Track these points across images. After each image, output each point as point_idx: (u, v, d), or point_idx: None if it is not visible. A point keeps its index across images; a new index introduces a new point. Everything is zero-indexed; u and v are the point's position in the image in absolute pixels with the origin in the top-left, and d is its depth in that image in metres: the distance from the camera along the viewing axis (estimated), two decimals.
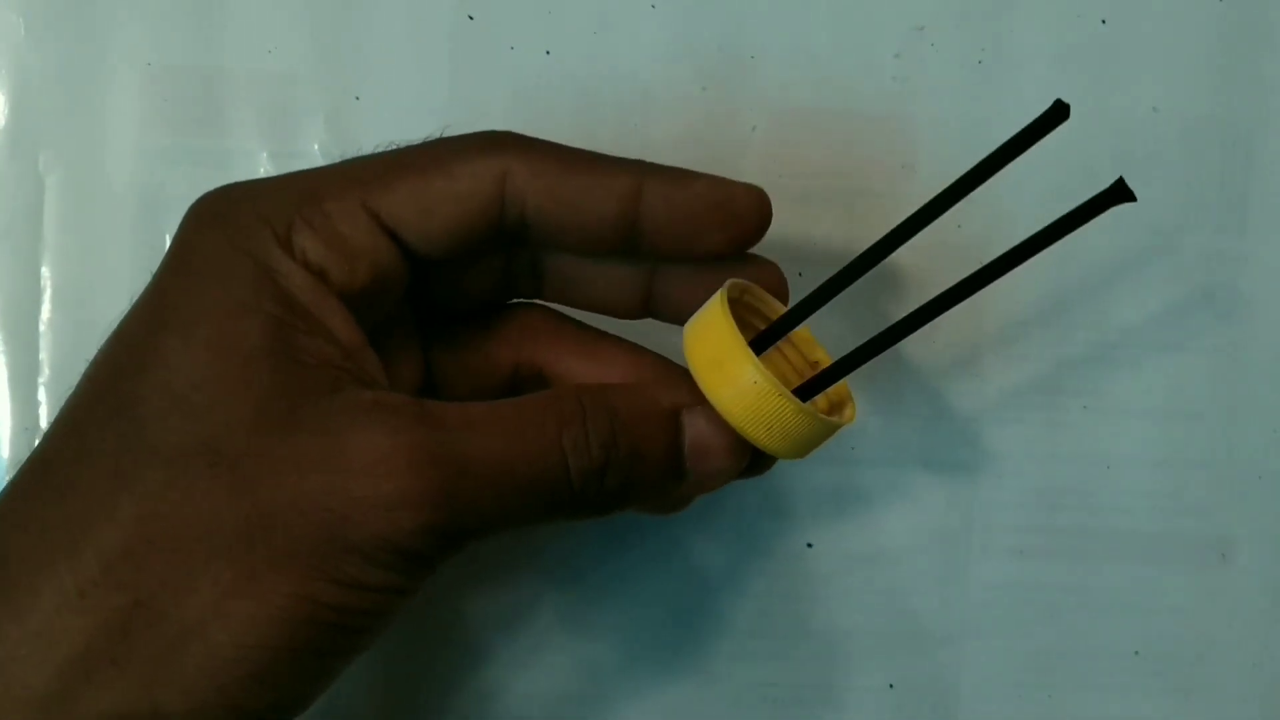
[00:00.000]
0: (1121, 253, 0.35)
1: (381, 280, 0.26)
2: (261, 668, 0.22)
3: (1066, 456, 0.35)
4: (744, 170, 0.34)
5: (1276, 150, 0.35)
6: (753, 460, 0.27)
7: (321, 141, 0.34)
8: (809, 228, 0.34)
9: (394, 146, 0.26)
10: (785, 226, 0.34)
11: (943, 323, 0.34)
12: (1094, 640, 0.35)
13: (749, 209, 0.27)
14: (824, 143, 0.34)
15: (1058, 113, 0.26)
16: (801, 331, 0.28)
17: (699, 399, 0.25)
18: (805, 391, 0.26)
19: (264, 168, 0.34)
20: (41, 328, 0.34)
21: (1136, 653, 0.35)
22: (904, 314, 0.26)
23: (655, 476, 0.25)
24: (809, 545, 0.34)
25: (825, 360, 0.28)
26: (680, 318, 0.28)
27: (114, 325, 0.25)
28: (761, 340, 0.27)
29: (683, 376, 0.26)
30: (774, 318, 0.27)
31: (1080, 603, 0.35)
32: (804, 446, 0.26)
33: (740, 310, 0.27)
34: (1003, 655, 0.34)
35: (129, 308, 0.25)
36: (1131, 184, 0.30)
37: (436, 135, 0.27)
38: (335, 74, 0.34)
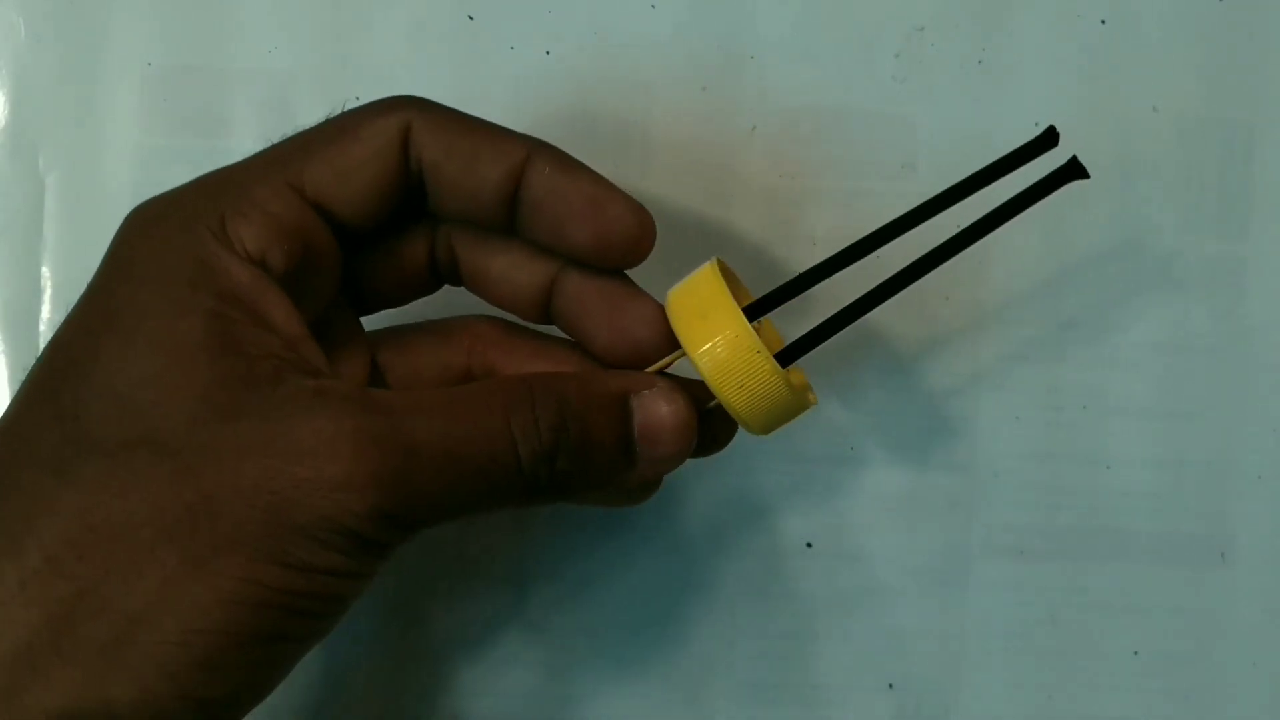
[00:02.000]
0: (1121, 252, 0.35)
1: (316, 258, 0.26)
2: (211, 654, 0.22)
3: (1066, 456, 0.35)
4: (744, 170, 0.34)
5: (1276, 150, 0.35)
6: (711, 434, 0.28)
7: None
8: (809, 227, 0.34)
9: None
10: (785, 226, 0.34)
11: (942, 322, 0.34)
12: (1093, 640, 0.35)
13: (621, 219, 0.27)
14: (824, 142, 0.34)
15: (1048, 139, 0.26)
16: (768, 326, 0.29)
17: (648, 383, 0.26)
18: (781, 360, 0.26)
19: None
20: (41, 327, 0.34)
21: (1136, 653, 0.35)
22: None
23: (605, 460, 0.25)
24: (809, 545, 0.34)
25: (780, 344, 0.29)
26: (577, 327, 0.28)
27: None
28: (754, 311, 0.27)
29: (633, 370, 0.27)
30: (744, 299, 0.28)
31: (1080, 603, 0.34)
32: (771, 417, 0.27)
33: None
34: (1002, 655, 0.34)
35: (67, 315, 0.25)
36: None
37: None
38: (335, 74, 0.34)
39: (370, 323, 0.29)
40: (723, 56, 0.34)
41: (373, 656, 0.34)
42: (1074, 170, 0.26)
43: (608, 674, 0.34)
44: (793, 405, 0.26)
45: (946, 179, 0.28)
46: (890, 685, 0.35)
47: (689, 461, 0.26)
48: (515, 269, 0.28)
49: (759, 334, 0.28)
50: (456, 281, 0.30)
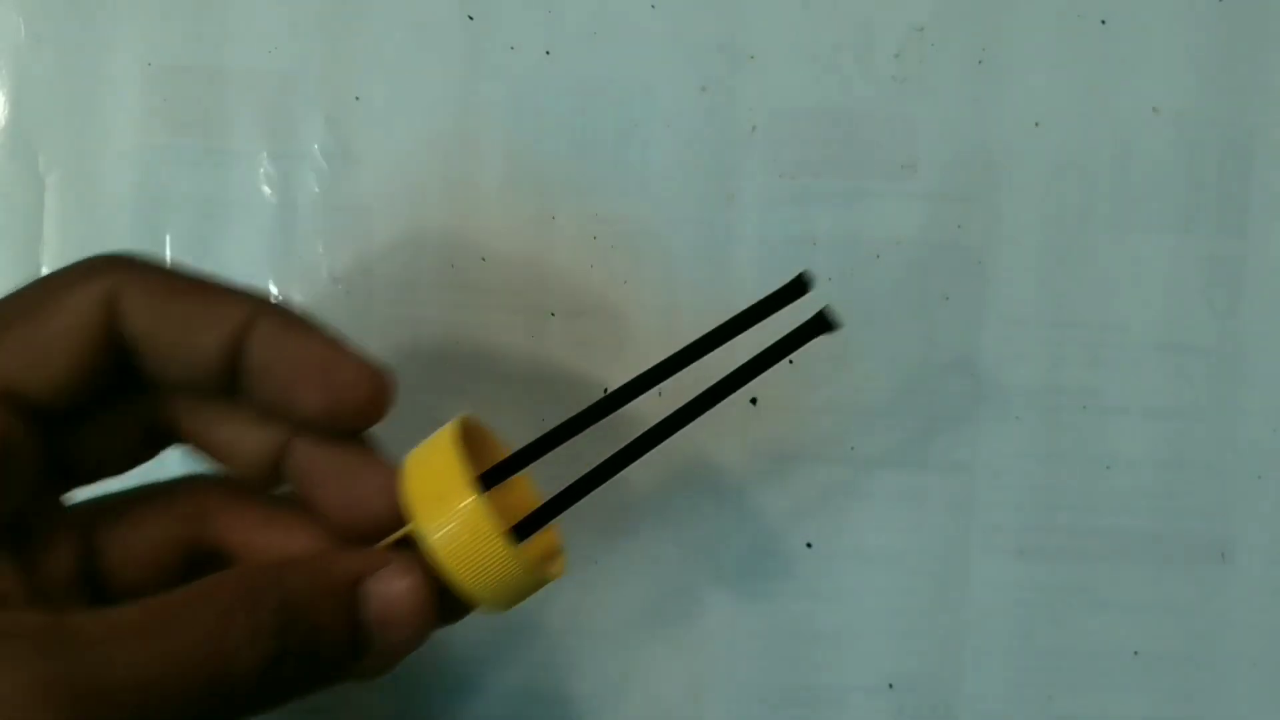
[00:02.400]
0: (1121, 252, 0.35)
1: (8, 454, 0.23)
2: None
3: (1066, 456, 0.35)
4: (744, 170, 0.34)
5: (1275, 150, 0.35)
6: (449, 609, 0.25)
7: (321, 142, 0.34)
8: (809, 228, 0.34)
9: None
10: (785, 226, 0.34)
11: (942, 322, 0.34)
12: (1094, 640, 0.35)
13: (353, 384, 0.25)
14: (824, 142, 0.34)
15: (798, 287, 0.25)
16: (524, 481, 0.27)
17: (381, 562, 0.24)
18: (518, 534, 0.25)
19: (264, 168, 0.34)
20: None
21: (1136, 652, 0.35)
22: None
23: (335, 656, 0.23)
24: (809, 545, 0.34)
25: (534, 500, 0.27)
26: (309, 496, 0.26)
27: None
28: (483, 481, 0.25)
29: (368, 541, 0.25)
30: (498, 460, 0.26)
31: (1080, 602, 0.35)
32: (507, 597, 0.25)
33: (470, 449, 0.25)
34: (1002, 655, 0.34)
35: None
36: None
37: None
38: (335, 74, 0.34)
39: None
40: (722, 56, 0.34)
41: None
42: (822, 325, 0.25)
43: (607, 674, 0.34)
44: (528, 585, 0.25)
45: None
46: (890, 685, 0.35)
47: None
48: (242, 435, 0.26)
49: (508, 494, 0.27)
50: (181, 442, 0.27)
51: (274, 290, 0.34)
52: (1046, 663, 0.35)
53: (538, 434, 0.25)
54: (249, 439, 0.26)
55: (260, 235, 0.34)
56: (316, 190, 0.34)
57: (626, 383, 0.25)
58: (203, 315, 0.24)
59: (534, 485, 0.28)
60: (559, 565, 0.27)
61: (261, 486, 0.27)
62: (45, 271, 0.34)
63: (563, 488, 0.25)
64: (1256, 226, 0.35)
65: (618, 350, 0.34)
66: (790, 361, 0.29)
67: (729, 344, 0.25)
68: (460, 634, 0.34)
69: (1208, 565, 0.35)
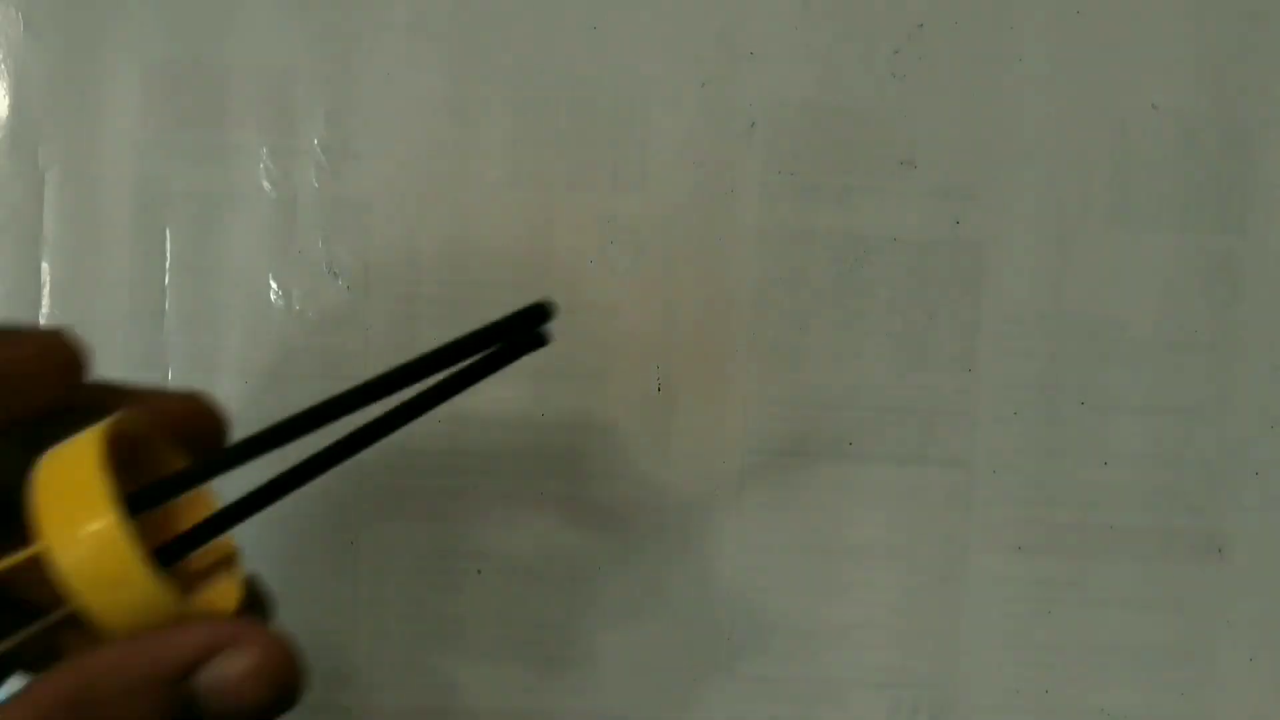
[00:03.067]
0: (1119, 248, 0.35)
1: None
2: None
3: (1064, 452, 0.35)
4: (743, 166, 0.34)
5: (1275, 147, 0.35)
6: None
7: (321, 136, 0.34)
8: (807, 223, 0.34)
9: None
10: (784, 222, 0.34)
11: (940, 318, 0.34)
12: (1091, 634, 0.35)
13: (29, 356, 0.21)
14: (823, 138, 0.34)
15: (539, 314, 0.22)
16: (208, 498, 0.23)
17: (215, 638, 0.19)
18: (177, 548, 0.21)
19: (263, 162, 0.34)
20: (42, 322, 0.34)
21: (1133, 647, 0.35)
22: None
23: None
24: (808, 541, 0.34)
25: (209, 507, 0.23)
26: None
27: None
28: (145, 499, 0.21)
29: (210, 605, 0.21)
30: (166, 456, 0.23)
31: (1077, 597, 0.35)
32: (141, 621, 0.20)
33: (135, 455, 0.22)
34: (1000, 650, 0.35)
35: None
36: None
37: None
38: (335, 69, 0.34)
39: None
40: (722, 53, 0.34)
41: (377, 651, 0.34)
42: (534, 341, 0.22)
43: (607, 672, 0.34)
44: (174, 608, 0.20)
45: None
46: (890, 681, 0.35)
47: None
48: None
49: (177, 513, 0.23)
50: None
51: (273, 285, 0.34)
52: (1044, 657, 0.35)
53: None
54: None
55: (260, 230, 0.34)
56: (316, 185, 0.34)
57: (300, 413, 0.22)
58: None
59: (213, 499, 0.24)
60: (231, 590, 0.22)
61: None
62: (46, 267, 0.34)
63: (227, 503, 0.21)
64: (1255, 223, 0.35)
65: (617, 345, 0.34)
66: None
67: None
68: (457, 628, 0.34)
69: (1205, 560, 0.35)
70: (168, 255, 0.34)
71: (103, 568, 0.19)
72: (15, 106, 0.34)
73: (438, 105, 0.34)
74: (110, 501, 0.20)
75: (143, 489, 0.21)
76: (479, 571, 0.34)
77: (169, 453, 0.23)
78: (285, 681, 0.20)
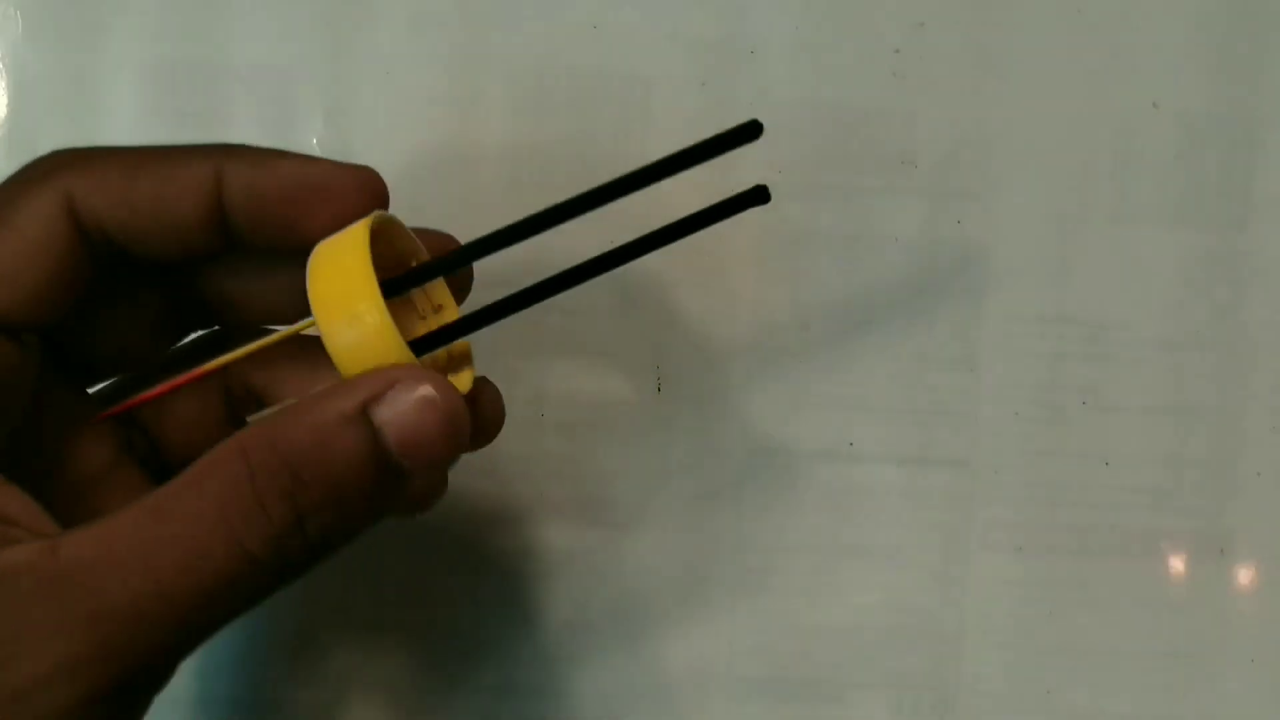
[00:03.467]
0: (1121, 248, 0.34)
1: None
2: None
3: (1065, 453, 0.35)
4: (743, 165, 0.34)
5: (1277, 145, 0.34)
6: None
7: (320, 136, 0.34)
8: (808, 222, 0.34)
9: None
10: (784, 222, 0.34)
11: (941, 318, 0.34)
12: (1092, 637, 0.35)
13: (343, 188, 0.24)
14: (824, 137, 0.34)
15: (758, 195, 0.24)
16: (438, 282, 0.26)
17: (388, 382, 0.22)
18: (424, 345, 0.23)
19: None
20: None
21: (1135, 649, 0.35)
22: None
23: (368, 498, 0.21)
24: (808, 541, 0.34)
25: (453, 315, 0.26)
26: None
27: None
28: (397, 285, 0.24)
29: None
30: (413, 263, 0.25)
31: (1079, 599, 0.35)
32: None
33: (379, 247, 0.24)
34: (1002, 652, 0.34)
35: None
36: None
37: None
38: (335, 68, 0.34)
39: None
40: (722, 51, 0.34)
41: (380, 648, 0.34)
42: (759, 196, 0.24)
43: (606, 672, 0.34)
44: None
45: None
46: (890, 682, 0.35)
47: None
48: (258, 285, 0.26)
49: (414, 303, 0.26)
50: (203, 323, 0.27)
51: None
52: (1045, 659, 0.35)
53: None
54: (266, 286, 0.26)
55: None
56: None
57: (556, 205, 0.24)
58: (168, 186, 0.23)
59: (448, 294, 0.27)
60: (467, 377, 0.25)
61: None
62: None
63: (479, 308, 0.24)
64: (1257, 222, 0.35)
65: (617, 345, 0.34)
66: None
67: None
68: (455, 628, 0.34)
69: (1207, 562, 0.35)
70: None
71: (366, 347, 0.22)
72: (14, 106, 0.34)
73: (437, 105, 0.34)
74: (375, 288, 0.22)
75: (396, 277, 0.24)
76: (477, 572, 0.34)
77: (407, 241, 0.26)
78: (452, 418, 0.22)
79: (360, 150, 0.34)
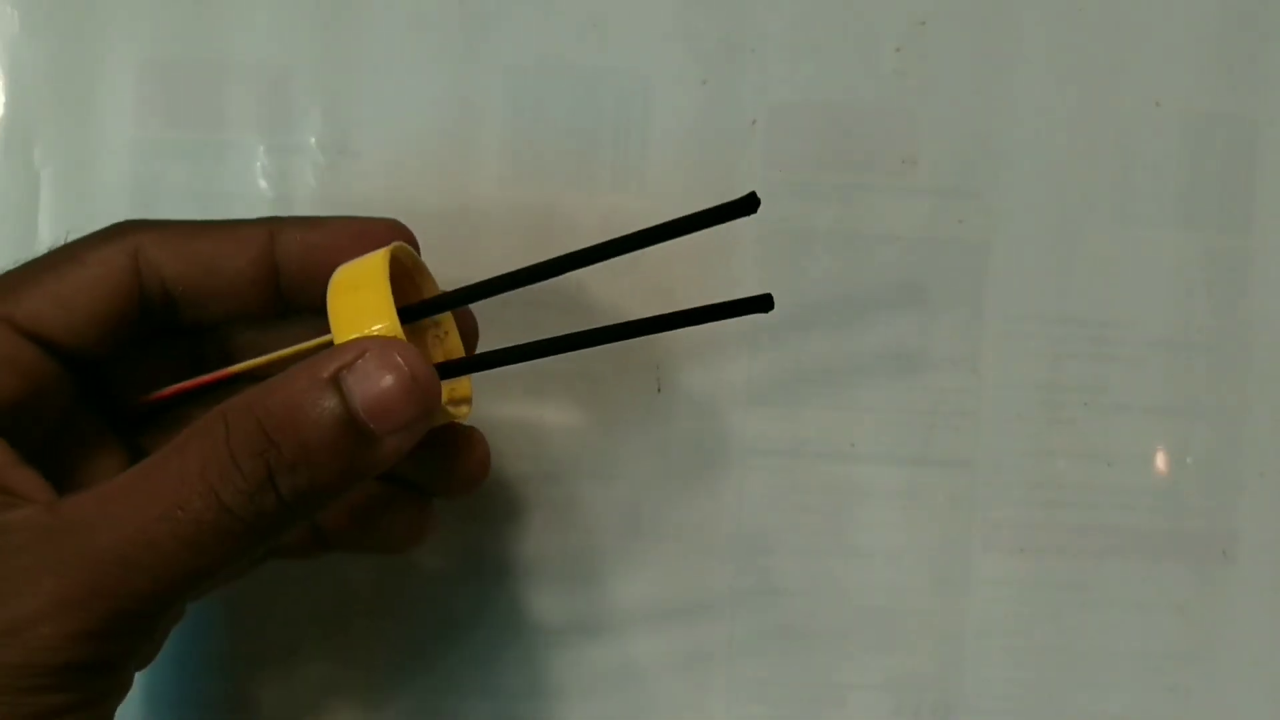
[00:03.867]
0: (1123, 247, 0.34)
1: (36, 389, 0.25)
2: None
3: (1067, 453, 0.34)
4: (744, 164, 0.34)
5: (1279, 144, 0.34)
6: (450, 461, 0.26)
7: (318, 134, 0.34)
8: (808, 222, 0.34)
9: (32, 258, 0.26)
10: (784, 221, 0.34)
11: (942, 318, 0.34)
12: (1095, 638, 0.34)
13: (389, 233, 0.26)
14: (824, 136, 0.34)
15: (748, 204, 0.25)
16: (454, 332, 0.28)
17: (357, 351, 0.23)
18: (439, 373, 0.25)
19: (260, 161, 0.34)
20: None
21: (1137, 650, 0.34)
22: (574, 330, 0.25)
23: (337, 459, 0.23)
24: (808, 542, 0.34)
25: (459, 354, 0.28)
26: None
27: None
28: (409, 314, 0.26)
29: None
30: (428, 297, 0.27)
31: (1081, 600, 0.34)
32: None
33: (400, 280, 0.26)
34: (1003, 653, 0.34)
35: None
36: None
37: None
38: (333, 66, 0.34)
39: None
40: (723, 49, 0.34)
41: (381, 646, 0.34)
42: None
43: (606, 672, 0.34)
44: (440, 418, 0.25)
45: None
46: (890, 683, 0.34)
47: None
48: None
49: (424, 336, 0.27)
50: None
51: None
52: (1047, 660, 0.34)
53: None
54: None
55: None
56: (313, 184, 0.34)
57: (568, 254, 0.25)
58: (226, 244, 0.26)
59: (456, 335, 0.28)
60: (464, 411, 0.27)
61: None
62: None
63: (495, 348, 0.25)
64: (1260, 221, 0.35)
65: (617, 345, 0.34)
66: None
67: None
68: (454, 628, 0.34)
69: (1210, 563, 0.34)
70: None
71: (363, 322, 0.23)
72: (11, 105, 0.34)
73: (436, 103, 0.34)
74: (392, 309, 0.24)
75: (412, 305, 0.26)
76: (469, 573, 0.34)
77: (424, 279, 0.27)
78: (419, 382, 0.23)
79: (359, 150, 0.34)
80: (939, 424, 0.34)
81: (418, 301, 0.26)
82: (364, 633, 0.34)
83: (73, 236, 0.27)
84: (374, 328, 0.24)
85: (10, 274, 0.26)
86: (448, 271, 0.34)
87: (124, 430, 0.28)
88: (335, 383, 0.23)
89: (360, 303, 0.24)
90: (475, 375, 0.27)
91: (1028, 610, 0.34)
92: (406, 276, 0.27)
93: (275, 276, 0.26)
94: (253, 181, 0.34)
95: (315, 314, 0.26)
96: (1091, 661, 0.34)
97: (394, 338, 0.24)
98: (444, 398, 0.26)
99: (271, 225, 0.26)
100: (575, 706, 0.34)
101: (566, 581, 0.34)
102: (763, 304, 0.25)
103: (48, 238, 0.34)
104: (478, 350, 0.29)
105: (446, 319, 0.28)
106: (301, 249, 0.26)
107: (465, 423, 0.27)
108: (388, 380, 0.23)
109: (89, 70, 0.34)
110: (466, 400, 0.28)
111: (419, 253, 0.27)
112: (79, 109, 0.34)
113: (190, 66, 0.34)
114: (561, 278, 0.26)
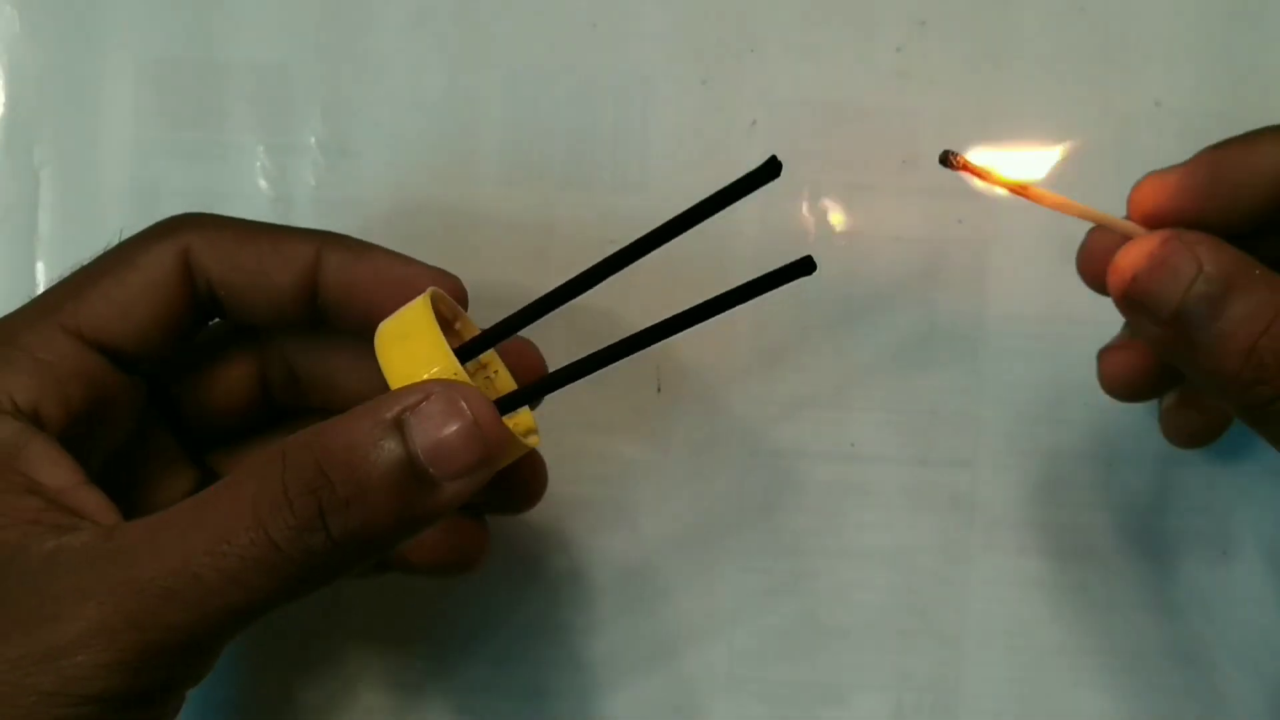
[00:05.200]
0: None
1: (103, 399, 0.25)
2: None
3: (1067, 453, 0.34)
4: (744, 164, 0.34)
5: None
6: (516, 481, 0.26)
7: (318, 134, 0.34)
8: (809, 223, 0.34)
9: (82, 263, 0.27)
10: (784, 221, 0.34)
11: (942, 318, 0.34)
12: (1094, 638, 0.34)
13: (430, 283, 0.26)
14: (825, 136, 0.34)
15: (770, 169, 0.24)
16: (502, 370, 0.28)
17: (422, 394, 0.23)
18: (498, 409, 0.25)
19: (260, 160, 0.34)
20: None
21: (1138, 650, 0.34)
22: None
23: (393, 501, 0.22)
24: (809, 542, 0.34)
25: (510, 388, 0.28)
26: None
27: None
28: (459, 356, 0.25)
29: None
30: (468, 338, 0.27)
31: (1080, 600, 0.34)
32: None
33: (446, 335, 0.26)
34: (1003, 653, 0.34)
35: None
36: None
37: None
38: (332, 66, 0.34)
39: None
40: (723, 49, 0.34)
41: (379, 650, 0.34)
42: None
43: (606, 672, 0.34)
44: (513, 449, 0.25)
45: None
46: (891, 683, 0.34)
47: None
48: (361, 372, 0.28)
49: (484, 388, 0.27)
50: (295, 401, 0.29)
51: None
52: (1047, 660, 0.34)
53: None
54: (353, 369, 0.28)
55: None
56: (313, 184, 0.34)
57: (604, 259, 0.25)
58: (272, 258, 0.26)
59: (505, 369, 0.28)
60: (534, 441, 0.27)
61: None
62: (41, 267, 0.34)
63: (548, 373, 0.25)
64: None
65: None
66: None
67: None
68: (453, 630, 0.34)
69: (1209, 563, 0.34)
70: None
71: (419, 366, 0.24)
72: (10, 104, 0.34)
73: (436, 103, 0.34)
74: (448, 350, 0.24)
75: (465, 344, 0.26)
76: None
77: (464, 327, 0.27)
78: (482, 429, 0.23)
79: (359, 150, 0.34)
80: (939, 424, 0.34)
81: (464, 343, 0.26)
82: (397, 633, 0.34)
83: (126, 234, 0.27)
84: (433, 370, 0.23)
85: (67, 282, 0.26)
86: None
87: (192, 447, 0.29)
88: (397, 424, 0.22)
89: (413, 350, 0.24)
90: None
91: (1027, 610, 0.34)
92: (445, 325, 0.26)
93: (314, 295, 0.26)
94: (253, 181, 0.34)
95: (353, 335, 0.27)
96: (1091, 662, 0.34)
97: (457, 380, 0.23)
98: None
99: (319, 242, 0.26)
100: (572, 706, 0.34)
101: (563, 581, 0.34)
102: (805, 267, 0.25)
103: (47, 237, 0.34)
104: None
105: (492, 358, 0.28)
106: (344, 281, 0.26)
107: None
108: (452, 424, 0.22)
109: (89, 70, 0.34)
110: (533, 430, 0.28)
111: (466, 301, 0.27)
112: (79, 109, 0.34)
113: (190, 66, 0.34)
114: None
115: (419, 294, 0.25)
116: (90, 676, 0.21)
